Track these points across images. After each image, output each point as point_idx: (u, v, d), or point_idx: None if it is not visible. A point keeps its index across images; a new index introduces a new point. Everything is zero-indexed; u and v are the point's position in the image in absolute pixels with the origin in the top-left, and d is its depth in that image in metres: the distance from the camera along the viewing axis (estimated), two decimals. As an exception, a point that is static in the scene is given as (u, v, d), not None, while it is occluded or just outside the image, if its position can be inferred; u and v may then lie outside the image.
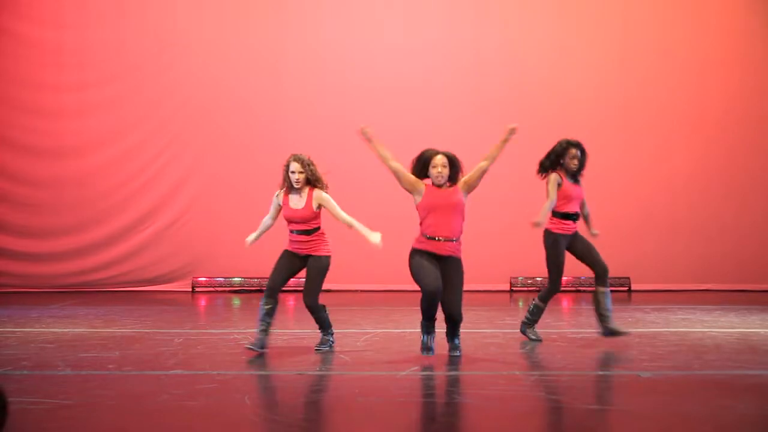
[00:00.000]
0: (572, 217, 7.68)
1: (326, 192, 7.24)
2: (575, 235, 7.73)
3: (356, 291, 13.13)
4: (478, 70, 13.34)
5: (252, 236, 7.51)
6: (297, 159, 7.24)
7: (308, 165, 7.24)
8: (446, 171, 6.76)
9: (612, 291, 12.74)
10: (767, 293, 12.75)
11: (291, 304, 11.49)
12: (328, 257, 7.29)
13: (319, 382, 6.32)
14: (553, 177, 7.69)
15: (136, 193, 13.23)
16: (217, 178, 13.16)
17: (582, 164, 7.76)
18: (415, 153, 6.95)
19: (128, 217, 13.20)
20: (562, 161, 7.71)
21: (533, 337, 7.85)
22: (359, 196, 13.07)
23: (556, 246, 7.65)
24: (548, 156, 7.76)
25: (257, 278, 12.91)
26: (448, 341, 7.03)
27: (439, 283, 6.66)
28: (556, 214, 7.67)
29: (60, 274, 13.05)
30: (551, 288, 7.75)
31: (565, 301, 11.94)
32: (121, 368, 6.58)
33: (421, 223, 6.80)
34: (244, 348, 7.22)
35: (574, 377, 6.41)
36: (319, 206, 7.23)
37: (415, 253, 6.79)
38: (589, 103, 13.31)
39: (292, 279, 7.44)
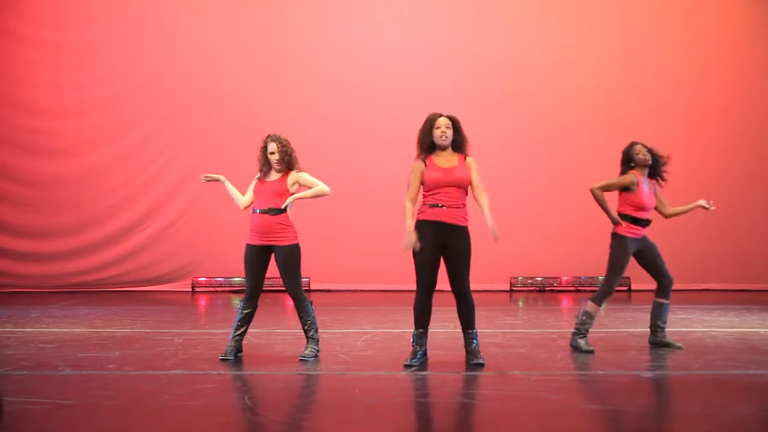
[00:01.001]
0: (641, 222, 7.40)
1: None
2: (644, 240, 7.42)
3: (356, 291, 13.13)
4: (478, 70, 13.34)
5: (228, 184, 7.26)
6: (275, 139, 6.99)
7: (286, 146, 6.98)
8: (450, 132, 6.62)
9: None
10: (767, 293, 12.75)
11: (290, 304, 11.48)
12: (296, 245, 6.89)
13: (319, 382, 6.32)
14: (629, 176, 7.42)
15: (136, 193, 13.23)
16: (217, 178, 13.13)
17: (656, 159, 7.50)
18: (414, 153, 6.87)
19: (128, 217, 13.21)
20: (632, 163, 7.46)
21: (584, 348, 7.26)
22: (358, 196, 13.09)
23: (622, 247, 7.34)
24: (621, 164, 7.52)
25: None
26: (465, 345, 6.74)
27: (433, 281, 6.63)
28: (626, 218, 7.38)
29: (60, 274, 13.06)
30: (605, 289, 7.38)
31: (564, 301, 11.95)
32: (121, 368, 6.58)
33: (424, 195, 6.70)
34: (219, 360, 6.90)
35: (574, 377, 6.41)
36: (295, 183, 6.92)
37: (419, 228, 6.70)
38: (589, 103, 13.32)
39: (303, 279, 7.11)
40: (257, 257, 6.94)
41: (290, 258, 6.89)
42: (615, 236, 7.42)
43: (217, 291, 13.12)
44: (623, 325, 8.97)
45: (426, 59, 13.32)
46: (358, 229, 13.22)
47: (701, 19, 13.53)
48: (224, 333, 8.44)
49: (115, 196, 13.21)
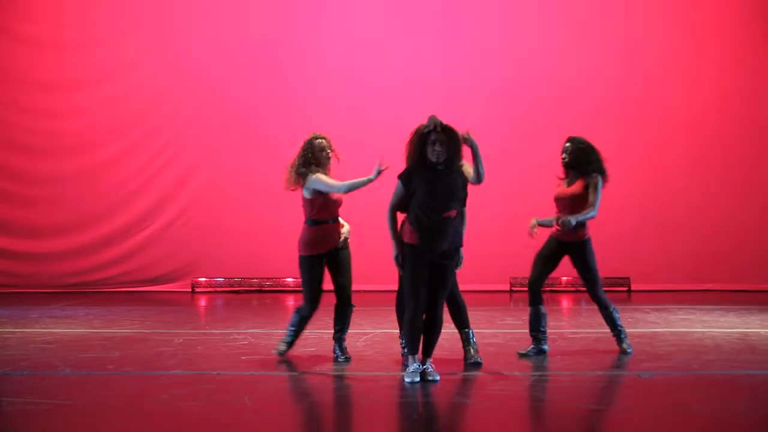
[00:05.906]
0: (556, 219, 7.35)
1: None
2: (574, 246, 7.47)
3: (356, 291, 13.09)
4: (479, 70, 13.33)
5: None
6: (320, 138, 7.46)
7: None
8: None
9: (612, 291, 12.88)
10: (767, 293, 12.74)
11: (291, 304, 11.49)
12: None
13: (319, 382, 6.32)
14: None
15: (136, 193, 13.21)
16: (217, 178, 13.14)
17: (571, 157, 7.36)
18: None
19: (128, 217, 13.19)
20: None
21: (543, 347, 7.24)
22: (358, 195, 13.06)
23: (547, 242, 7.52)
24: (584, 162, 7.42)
25: (257, 278, 12.91)
26: (462, 345, 6.68)
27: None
28: None
29: (60, 274, 13.04)
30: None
31: (564, 301, 11.95)
32: (121, 368, 6.58)
33: None
34: (272, 353, 7.03)
35: (574, 377, 6.41)
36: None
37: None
38: (590, 103, 13.29)
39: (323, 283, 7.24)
40: (319, 265, 7.20)
41: (348, 256, 7.25)
42: None
43: (217, 291, 13.11)
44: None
45: (426, 60, 13.29)
46: (357, 230, 13.17)
47: (701, 19, 13.51)
48: (224, 333, 8.43)
49: (114, 195, 13.19)
